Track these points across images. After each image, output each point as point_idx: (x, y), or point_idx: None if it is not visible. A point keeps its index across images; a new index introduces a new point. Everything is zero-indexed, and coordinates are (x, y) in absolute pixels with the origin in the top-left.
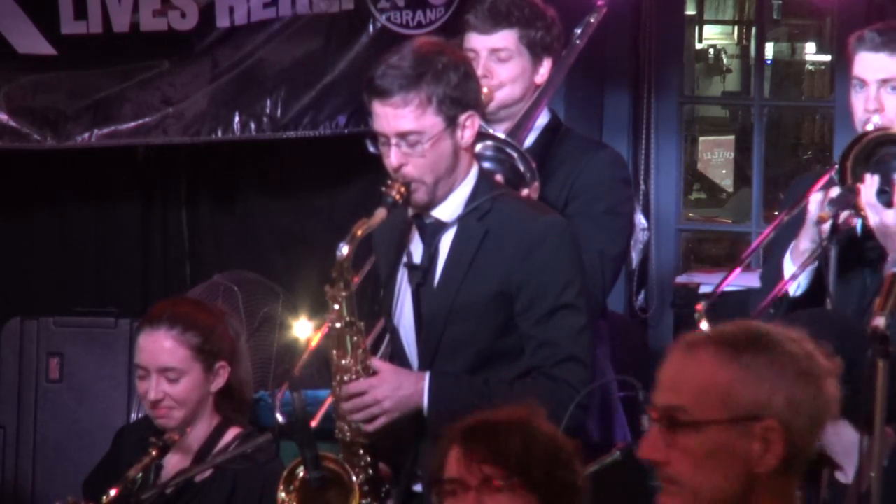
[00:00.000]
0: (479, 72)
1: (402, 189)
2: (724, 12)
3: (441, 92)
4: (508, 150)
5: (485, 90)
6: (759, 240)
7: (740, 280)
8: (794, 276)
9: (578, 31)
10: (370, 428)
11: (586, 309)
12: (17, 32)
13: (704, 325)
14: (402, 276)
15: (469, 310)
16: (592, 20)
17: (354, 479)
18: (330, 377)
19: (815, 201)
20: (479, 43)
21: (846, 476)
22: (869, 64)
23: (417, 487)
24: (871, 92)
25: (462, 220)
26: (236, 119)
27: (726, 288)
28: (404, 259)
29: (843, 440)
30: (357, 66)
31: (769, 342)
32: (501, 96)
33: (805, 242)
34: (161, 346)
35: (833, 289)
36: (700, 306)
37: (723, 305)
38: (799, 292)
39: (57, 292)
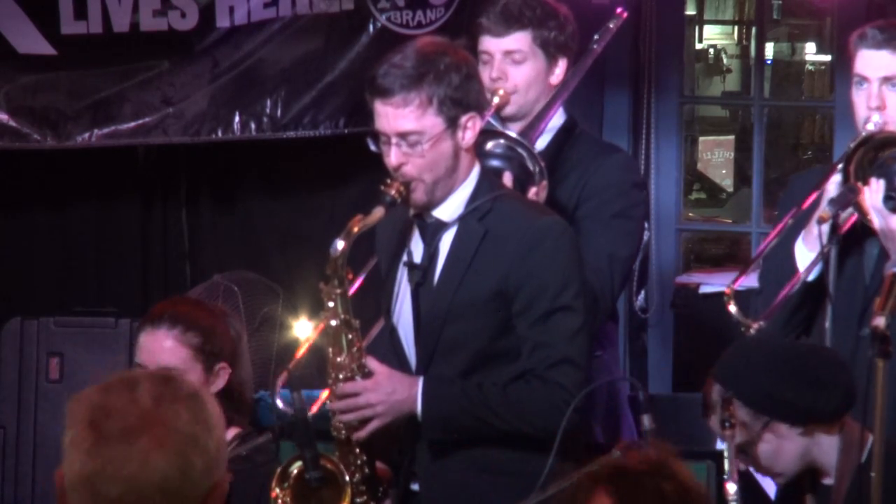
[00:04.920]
0: (494, 74)
1: (401, 188)
2: (724, 12)
3: (442, 92)
4: (519, 148)
5: (500, 92)
6: (769, 237)
7: (745, 281)
8: (809, 270)
9: (597, 37)
10: (363, 433)
11: (584, 311)
12: (17, 32)
13: (733, 308)
14: (402, 275)
15: (467, 310)
16: (612, 26)
17: (347, 477)
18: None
19: (834, 182)
20: (493, 45)
21: (831, 479)
22: (870, 61)
23: (415, 486)
24: (873, 89)
25: (462, 220)
26: (236, 119)
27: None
28: (404, 258)
29: (825, 447)
30: (357, 66)
31: None
32: (516, 98)
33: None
34: (161, 345)
35: (833, 290)
36: (728, 290)
37: (721, 306)
38: (812, 277)
39: (57, 292)
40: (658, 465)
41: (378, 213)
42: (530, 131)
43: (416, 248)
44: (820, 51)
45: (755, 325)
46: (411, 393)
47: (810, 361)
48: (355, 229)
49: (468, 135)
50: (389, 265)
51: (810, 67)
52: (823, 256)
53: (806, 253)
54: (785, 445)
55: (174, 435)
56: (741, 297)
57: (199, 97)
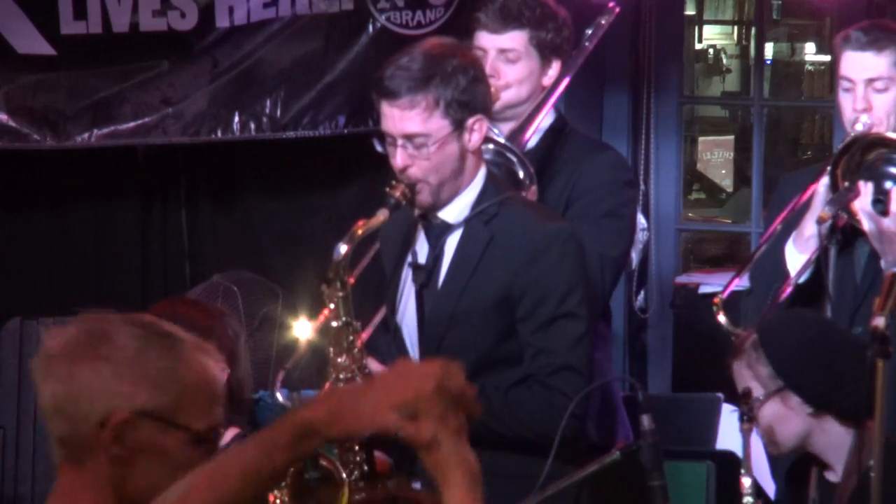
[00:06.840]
0: (487, 70)
1: (406, 191)
2: (724, 12)
3: (449, 95)
4: (507, 153)
5: (491, 89)
6: (762, 241)
7: (737, 283)
8: (800, 273)
9: (589, 32)
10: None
11: (588, 317)
12: (17, 32)
13: (722, 318)
14: (407, 276)
15: (471, 314)
16: (603, 22)
17: (344, 475)
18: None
19: (824, 184)
20: (489, 42)
21: (836, 475)
22: (855, 63)
23: (416, 485)
24: (859, 92)
25: (468, 222)
26: (236, 119)
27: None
28: (409, 258)
29: (831, 438)
30: (357, 66)
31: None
32: (507, 97)
33: (810, 227)
34: None
35: (833, 289)
36: (717, 299)
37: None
38: (801, 280)
39: (57, 292)
40: (391, 500)
41: (382, 215)
42: (520, 133)
43: (422, 249)
44: (819, 51)
45: (745, 334)
46: None
47: (846, 356)
48: (359, 233)
49: (475, 137)
50: (394, 264)
51: (810, 67)
52: (822, 256)
53: (797, 255)
54: (791, 417)
55: (91, 358)
56: (732, 297)
57: (199, 97)
